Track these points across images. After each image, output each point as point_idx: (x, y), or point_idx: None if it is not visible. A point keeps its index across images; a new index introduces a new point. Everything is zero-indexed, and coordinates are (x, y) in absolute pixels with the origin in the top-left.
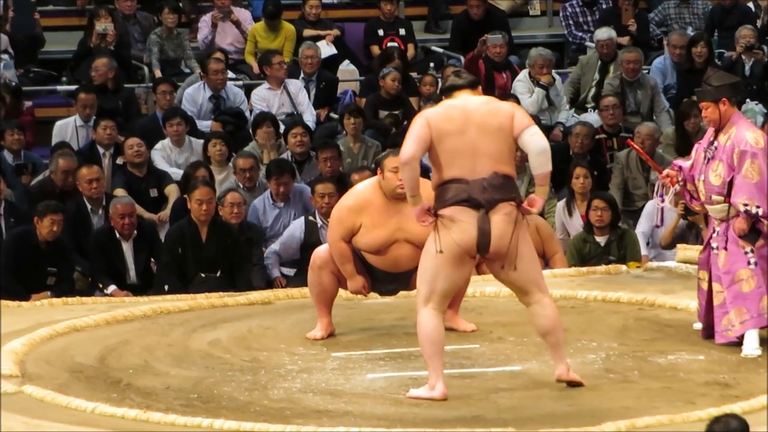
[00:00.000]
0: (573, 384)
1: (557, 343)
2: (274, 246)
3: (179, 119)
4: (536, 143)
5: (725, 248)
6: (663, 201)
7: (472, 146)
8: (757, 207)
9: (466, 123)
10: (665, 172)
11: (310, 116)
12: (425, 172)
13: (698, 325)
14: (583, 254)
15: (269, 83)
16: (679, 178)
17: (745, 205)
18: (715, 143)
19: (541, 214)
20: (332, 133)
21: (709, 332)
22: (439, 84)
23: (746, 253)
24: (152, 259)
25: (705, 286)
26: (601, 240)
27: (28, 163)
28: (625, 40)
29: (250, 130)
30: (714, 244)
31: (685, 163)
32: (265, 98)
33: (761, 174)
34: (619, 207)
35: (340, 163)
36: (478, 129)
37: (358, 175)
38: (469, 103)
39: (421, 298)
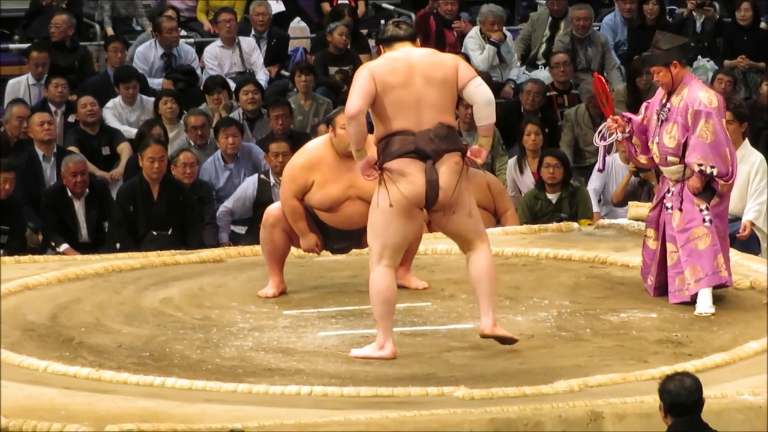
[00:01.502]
0: (504, 341)
1: (486, 293)
2: (227, 203)
3: (134, 82)
4: (482, 94)
5: (680, 209)
6: (603, 140)
7: (417, 98)
8: (712, 167)
9: (410, 75)
10: (613, 117)
11: (263, 75)
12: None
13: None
14: (535, 211)
15: (222, 41)
16: (627, 129)
17: (700, 165)
18: (668, 105)
19: (492, 171)
20: (283, 91)
21: (661, 291)
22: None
23: (701, 210)
24: (103, 217)
25: (651, 244)
26: (552, 197)
27: None
28: None
29: (202, 89)
30: (668, 204)
31: (635, 117)
32: (217, 56)
33: (715, 134)
34: (570, 164)
35: (291, 120)
36: (422, 81)
37: (325, 127)
38: (413, 55)
39: (374, 256)
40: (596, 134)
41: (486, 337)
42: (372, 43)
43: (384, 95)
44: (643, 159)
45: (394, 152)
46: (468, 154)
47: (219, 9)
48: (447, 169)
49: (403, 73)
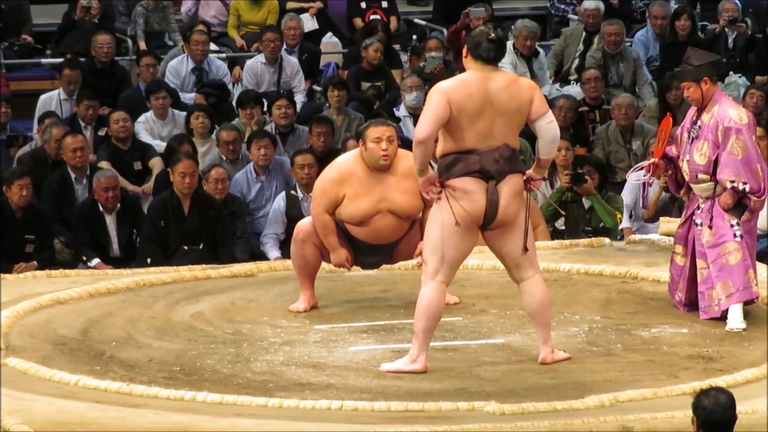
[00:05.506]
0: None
1: (544, 324)
2: (267, 230)
3: (164, 92)
4: (550, 131)
5: (710, 225)
6: (632, 178)
7: (488, 125)
8: (744, 183)
9: (485, 105)
10: (656, 160)
11: (300, 97)
12: (406, 144)
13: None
14: (567, 210)
15: (265, 59)
16: (669, 172)
17: (732, 181)
18: (699, 122)
19: None
20: (318, 110)
21: (691, 307)
22: (427, 60)
23: (732, 226)
24: (135, 232)
25: (679, 260)
26: (586, 202)
27: (19, 136)
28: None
29: (234, 104)
30: (698, 221)
31: (674, 151)
32: (256, 72)
33: (746, 150)
34: (605, 170)
35: (333, 139)
36: (496, 111)
37: (354, 142)
38: (491, 83)
39: (429, 271)
40: (631, 170)
41: (545, 364)
42: (404, 58)
43: (455, 119)
44: (681, 193)
45: (457, 171)
46: (527, 177)
47: (264, 27)
48: (508, 190)
49: (478, 102)
